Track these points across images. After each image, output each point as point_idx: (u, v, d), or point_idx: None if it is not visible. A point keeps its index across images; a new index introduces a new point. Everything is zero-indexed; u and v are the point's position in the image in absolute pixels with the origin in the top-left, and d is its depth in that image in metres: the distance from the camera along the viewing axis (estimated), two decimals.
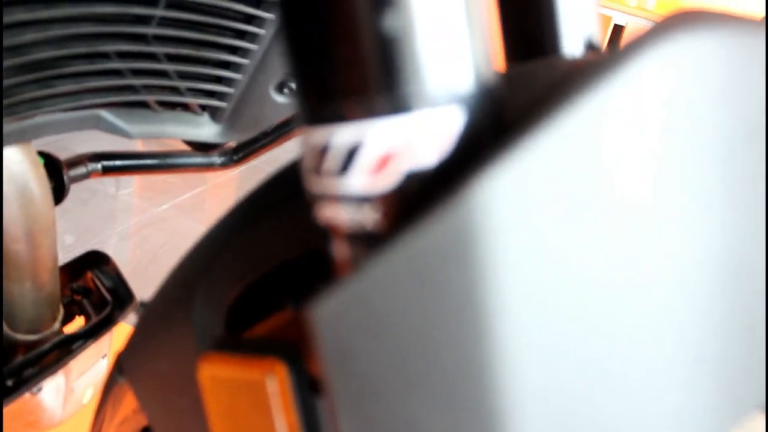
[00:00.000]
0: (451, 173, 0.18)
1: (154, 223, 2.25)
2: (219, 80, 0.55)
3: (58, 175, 0.59)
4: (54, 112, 0.48)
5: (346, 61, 0.17)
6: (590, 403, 0.19)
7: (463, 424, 0.18)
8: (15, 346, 0.61)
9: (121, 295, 0.66)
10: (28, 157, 0.51)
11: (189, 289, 0.34)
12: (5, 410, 0.61)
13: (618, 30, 3.83)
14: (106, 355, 0.70)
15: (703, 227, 0.18)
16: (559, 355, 0.18)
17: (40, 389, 0.61)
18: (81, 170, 0.63)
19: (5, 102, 0.41)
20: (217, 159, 0.70)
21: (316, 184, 0.20)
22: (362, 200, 0.19)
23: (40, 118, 0.48)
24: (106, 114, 0.52)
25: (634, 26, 3.76)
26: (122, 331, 0.77)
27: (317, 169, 0.19)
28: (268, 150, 0.72)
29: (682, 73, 0.17)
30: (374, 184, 0.18)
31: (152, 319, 0.37)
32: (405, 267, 0.17)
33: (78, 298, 0.68)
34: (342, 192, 0.19)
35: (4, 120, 0.44)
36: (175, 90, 0.54)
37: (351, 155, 0.18)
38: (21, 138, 0.46)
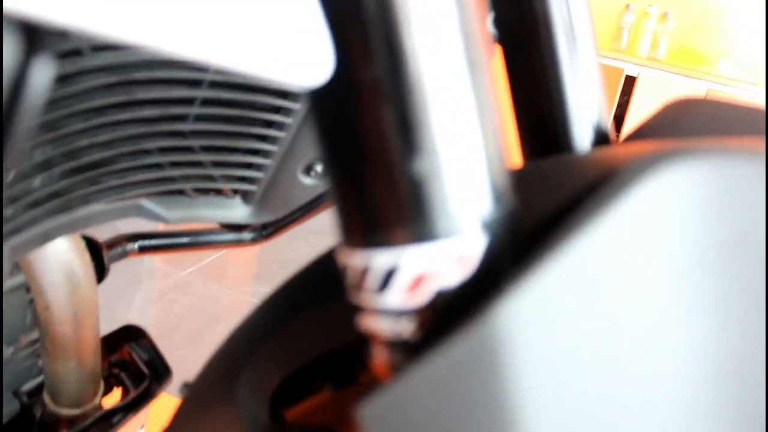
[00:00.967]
0: (476, 290, 0.21)
1: (180, 287, 2.29)
2: (250, 166, 0.58)
3: (98, 256, 0.63)
4: (101, 203, 0.52)
5: (384, 199, 0.21)
6: None
7: None
8: (58, 421, 0.64)
9: (157, 369, 0.69)
10: (75, 245, 0.54)
11: (232, 375, 0.37)
12: None
13: (630, 81, 3.88)
14: (143, 425, 0.72)
15: (699, 334, 0.21)
16: None
17: None
18: (119, 250, 0.67)
19: (61, 199, 0.45)
20: (246, 236, 0.73)
21: (357, 298, 0.23)
22: (399, 314, 0.22)
23: (87, 210, 0.52)
24: (146, 202, 0.55)
25: (646, 76, 3.81)
26: (158, 402, 0.80)
27: (359, 286, 0.22)
28: (294, 226, 0.75)
29: (673, 203, 0.20)
30: (409, 301, 0.21)
31: (196, 403, 0.39)
32: (439, 375, 0.20)
33: (116, 371, 0.71)
34: (381, 306, 0.22)
35: (59, 214, 0.47)
36: (209, 177, 0.57)
37: (389, 276, 0.21)
38: (71, 230, 0.50)
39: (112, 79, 0.39)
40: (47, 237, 0.51)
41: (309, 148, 0.59)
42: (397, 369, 0.22)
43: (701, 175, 0.21)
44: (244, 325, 0.39)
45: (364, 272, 0.22)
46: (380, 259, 0.21)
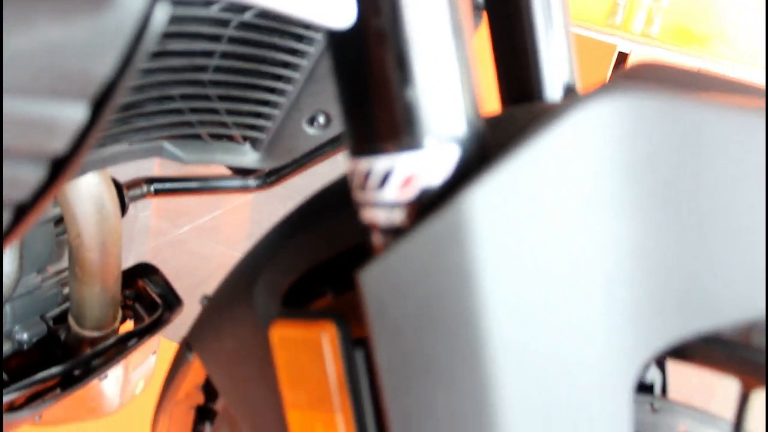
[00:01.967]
0: (450, 188, 0.28)
1: (174, 245, 2.36)
2: (259, 115, 0.65)
3: (120, 195, 0.69)
4: (128, 143, 0.58)
5: (384, 117, 0.28)
6: (552, 325, 0.28)
7: (463, 352, 0.28)
8: (81, 341, 0.71)
9: (169, 300, 0.76)
10: (105, 181, 0.61)
11: (250, 282, 0.44)
12: (72, 396, 0.71)
13: (623, 57, 3.92)
14: (155, 352, 0.80)
15: (617, 229, 0.28)
16: (526, 302, 0.28)
17: (106, 377, 0.71)
18: (137, 191, 0.73)
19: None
20: (252, 182, 0.80)
21: (361, 196, 0.30)
22: (393, 206, 0.29)
23: (115, 148, 0.59)
24: (167, 145, 0.62)
25: (638, 53, 3.85)
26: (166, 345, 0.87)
27: (362, 186, 0.29)
28: (296, 174, 0.82)
29: (601, 126, 0.27)
30: (401, 196, 0.28)
31: (218, 306, 0.46)
32: (420, 248, 0.27)
33: (130, 303, 0.78)
34: (380, 201, 0.29)
35: (93, 150, 0.54)
36: (223, 124, 0.64)
37: (386, 176, 0.28)
38: (102, 165, 0.57)
39: None
40: (83, 171, 0.58)
41: (313, 101, 0.66)
42: (389, 247, 0.29)
43: (620, 107, 0.28)
44: (259, 243, 0.46)
45: (368, 174, 0.29)
46: (380, 163, 0.28)
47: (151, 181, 0.75)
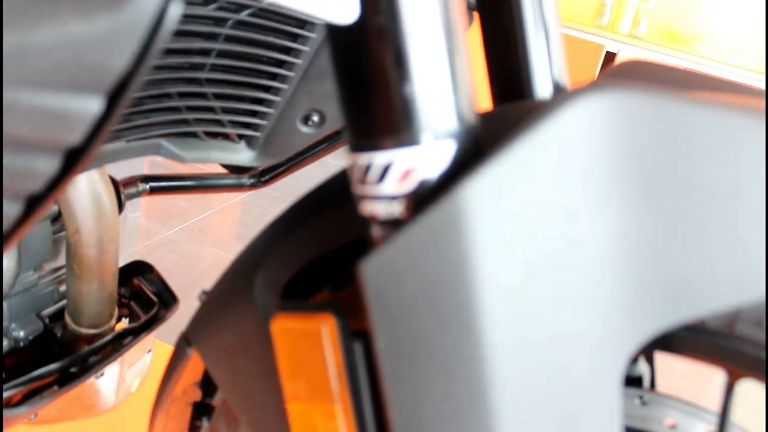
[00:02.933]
0: (447, 181, 0.29)
1: (165, 245, 2.36)
2: (254, 114, 0.66)
3: (117, 193, 0.70)
4: (126, 141, 0.59)
5: (384, 113, 0.29)
6: (547, 307, 0.30)
7: (459, 339, 0.29)
8: (78, 339, 0.71)
9: (164, 297, 0.76)
10: (103, 178, 0.61)
11: (249, 276, 0.45)
12: (68, 394, 0.71)
13: (610, 57, 3.95)
14: (150, 350, 0.80)
15: (607, 220, 0.29)
16: (520, 291, 0.29)
17: (102, 374, 0.72)
18: (133, 189, 0.74)
19: None
20: (246, 180, 0.81)
21: (361, 189, 0.31)
22: (392, 199, 0.30)
23: (114, 146, 0.60)
24: (164, 143, 0.63)
25: (625, 53, 3.88)
26: (160, 349, 0.87)
27: (362, 180, 0.30)
28: (289, 173, 0.83)
29: (584, 127, 0.28)
30: (400, 189, 0.29)
31: (217, 301, 0.47)
32: (419, 239, 0.28)
33: (126, 301, 0.79)
34: (379, 194, 0.30)
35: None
36: (219, 122, 0.65)
37: (385, 170, 0.29)
38: (101, 162, 0.57)
39: None
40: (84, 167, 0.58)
41: (308, 100, 0.67)
42: (388, 239, 0.30)
43: (607, 103, 0.29)
44: (257, 238, 0.47)
45: (367, 168, 0.30)
46: (379, 158, 0.29)
47: (146, 179, 0.76)
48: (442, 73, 0.29)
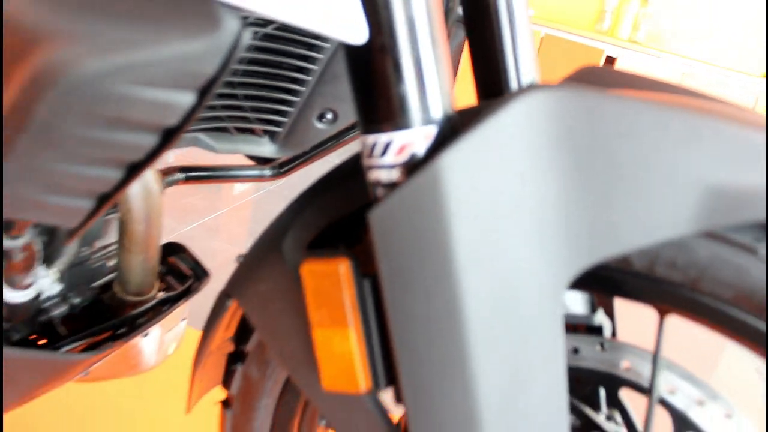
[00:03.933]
0: (429, 155, 0.41)
1: (182, 241, 2.48)
2: (277, 112, 0.78)
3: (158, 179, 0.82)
4: None
5: (385, 106, 0.40)
6: (499, 256, 0.41)
7: (440, 270, 0.40)
8: (124, 305, 0.83)
9: (197, 272, 0.88)
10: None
11: (279, 238, 0.56)
12: (116, 353, 0.83)
13: (610, 61, 4.05)
14: (185, 318, 0.92)
15: (549, 192, 0.41)
16: (483, 235, 0.40)
17: (147, 335, 0.83)
18: (172, 178, 0.85)
19: None
20: (267, 171, 0.92)
21: (368, 162, 0.42)
22: (391, 167, 0.41)
23: None
24: (201, 136, 0.74)
25: (625, 58, 3.98)
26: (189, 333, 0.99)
27: (370, 155, 0.42)
28: (305, 165, 0.94)
29: (528, 115, 0.40)
30: (397, 160, 0.41)
31: (252, 259, 0.59)
32: (410, 194, 0.40)
33: (163, 276, 0.90)
34: (382, 164, 0.42)
35: None
36: (247, 119, 0.77)
37: (386, 147, 0.41)
38: None
39: None
40: None
41: (322, 100, 0.78)
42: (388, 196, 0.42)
43: (544, 99, 0.41)
44: (284, 210, 0.58)
45: (374, 146, 0.41)
46: (382, 138, 0.41)
47: (183, 169, 0.88)
48: (428, 77, 0.41)
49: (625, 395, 0.65)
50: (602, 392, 0.66)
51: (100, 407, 1.35)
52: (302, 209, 0.56)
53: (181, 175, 0.87)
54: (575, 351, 0.64)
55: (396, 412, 0.56)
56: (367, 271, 0.47)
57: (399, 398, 0.49)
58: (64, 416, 1.31)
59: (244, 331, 0.67)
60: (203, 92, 0.38)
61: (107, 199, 0.45)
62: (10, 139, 0.38)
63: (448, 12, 0.72)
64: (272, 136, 0.80)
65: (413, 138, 0.41)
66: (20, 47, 0.35)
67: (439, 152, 0.39)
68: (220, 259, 2.46)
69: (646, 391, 0.61)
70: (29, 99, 0.36)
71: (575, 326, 0.67)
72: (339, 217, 0.53)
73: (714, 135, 0.41)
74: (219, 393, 1.48)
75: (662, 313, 0.53)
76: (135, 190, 0.72)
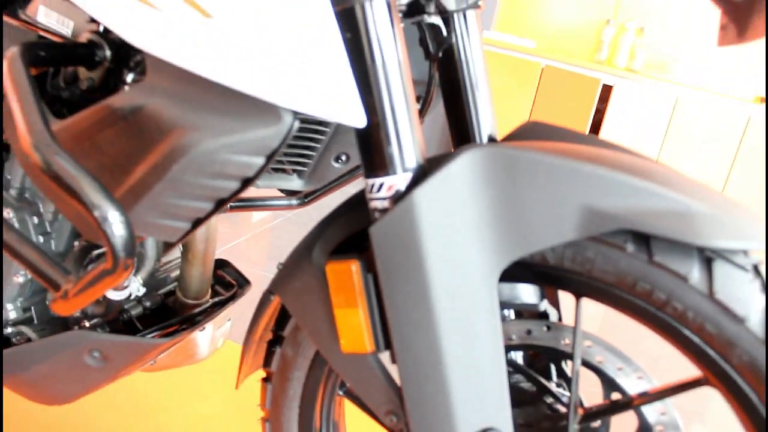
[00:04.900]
0: (407, 191, 0.64)
1: None
2: (304, 156, 1.01)
3: None
4: None
5: (379, 162, 0.64)
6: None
7: (417, 271, 0.64)
8: (185, 307, 1.06)
9: (240, 282, 1.12)
10: None
11: (308, 250, 0.79)
12: (181, 344, 1.06)
13: (607, 89, 4.25)
14: (230, 319, 1.15)
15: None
16: (441, 243, 0.63)
17: (203, 329, 1.06)
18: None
19: None
20: (294, 201, 1.16)
21: (370, 196, 0.66)
22: (384, 199, 0.65)
23: None
24: None
25: (621, 85, 4.18)
26: (230, 348, 1.22)
27: (371, 191, 0.66)
28: (325, 196, 1.18)
29: (465, 170, 0.63)
30: (387, 194, 0.65)
31: (290, 264, 0.82)
32: (396, 217, 0.63)
33: (213, 285, 1.14)
34: (378, 197, 0.65)
35: None
36: (281, 161, 1.00)
37: (380, 186, 0.65)
38: None
39: None
40: None
41: (338, 146, 1.02)
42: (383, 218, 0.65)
43: (485, 155, 0.64)
44: (313, 229, 0.82)
45: (372, 186, 0.65)
46: (378, 180, 0.65)
47: None
48: (405, 141, 0.65)
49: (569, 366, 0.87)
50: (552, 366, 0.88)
51: (146, 398, 1.58)
52: (325, 228, 0.79)
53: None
54: (528, 332, 0.86)
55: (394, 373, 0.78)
56: (371, 269, 0.70)
57: (394, 359, 0.72)
58: (116, 408, 1.54)
59: (281, 321, 0.90)
60: (269, 157, 0.62)
61: (200, 223, 0.68)
62: (149, 184, 0.62)
63: (431, 79, 0.95)
64: (299, 173, 1.04)
65: (397, 181, 0.65)
66: (158, 130, 0.60)
67: (413, 190, 0.62)
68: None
69: (574, 359, 0.84)
70: (168, 161, 0.60)
71: (527, 313, 0.89)
72: (352, 233, 0.77)
73: (593, 176, 0.64)
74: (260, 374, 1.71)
75: (576, 297, 0.75)
76: None
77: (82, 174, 0.58)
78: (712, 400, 2.22)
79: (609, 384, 0.83)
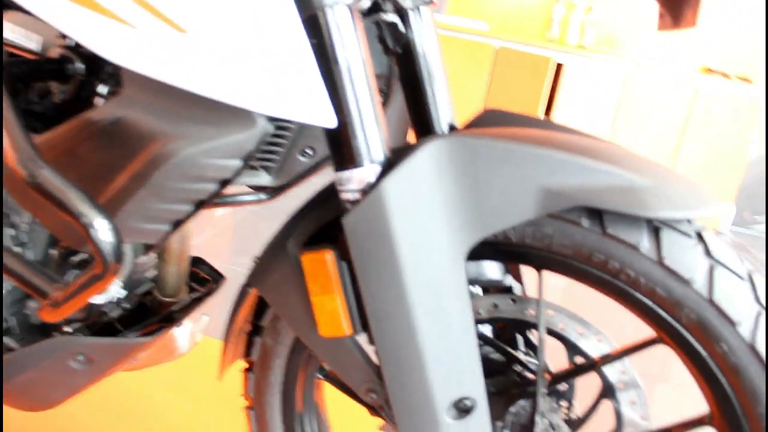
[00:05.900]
0: (375, 183, 0.68)
1: None
2: (271, 152, 1.05)
3: None
4: None
5: (348, 155, 0.68)
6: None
7: (388, 256, 0.68)
8: (162, 305, 1.09)
9: (215, 277, 1.15)
10: None
11: (283, 242, 0.83)
12: (161, 340, 1.09)
13: (559, 68, 4.32)
14: (207, 315, 1.18)
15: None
16: (411, 229, 0.68)
17: (181, 325, 1.09)
18: None
19: None
20: (263, 195, 1.19)
21: (340, 188, 0.70)
22: (354, 191, 0.69)
23: None
24: None
25: (573, 63, 4.26)
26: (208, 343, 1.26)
27: (341, 184, 0.70)
28: (292, 188, 1.21)
29: (429, 159, 0.68)
30: (357, 186, 0.69)
31: (266, 257, 0.85)
32: (365, 207, 0.67)
33: (188, 282, 1.17)
34: (348, 189, 0.69)
35: None
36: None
37: (350, 179, 0.69)
38: None
39: None
40: None
41: (304, 141, 1.05)
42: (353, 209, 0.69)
43: (446, 145, 0.68)
44: (285, 222, 0.85)
45: (342, 178, 0.69)
46: (346, 174, 0.69)
47: None
48: (371, 135, 0.69)
49: (535, 336, 0.93)
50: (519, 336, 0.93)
51: (128, 398, 1.61)
52: (297, 221, 0.83)
53: None
54: (495, 306, 0.91)
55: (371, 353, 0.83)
56: (344, 257, 0.74)
57: (371, 340, 0.76)
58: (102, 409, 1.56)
59: (259, 312, 0.94)
60: (246, 159, 0.66)
61: (180, 224, 0.72)
62: (132, 191, 0.65)
63: (391, 73, 0.99)
64: (267, 169, 1.07)
65: (365, 173, 0.69)
66: (139, 140, 0.63)
67: (381, 181, 0.67)
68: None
69: (539, 328, 0.89)
70: (150, 169, 0.63)
71: (493, 288, 0.94)
72: (324, 224, 0.80)
73: (548, 158, 0.69)
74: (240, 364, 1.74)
75: (538, 270, 0.80)
76: None
77: (68, 187, 0.61)
78: (675, 362, 2.32)
79: (572, 348, 0.89)
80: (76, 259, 0.94)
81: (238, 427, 1.57)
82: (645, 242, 0.70)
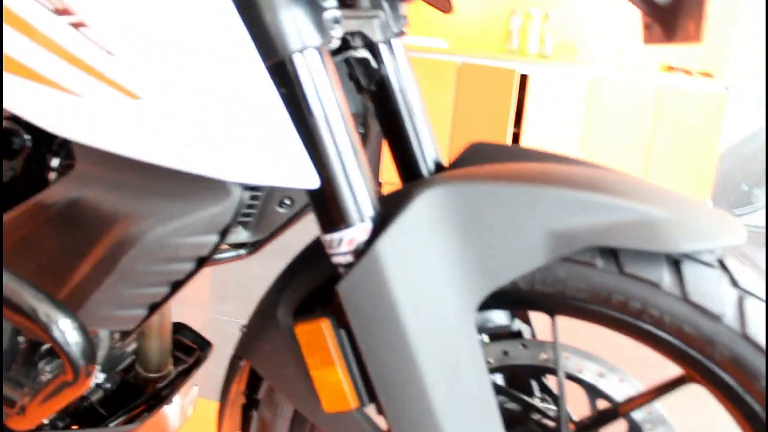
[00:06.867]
0: (369, 242, 0.62)
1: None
2: (248, 206, 0.98)
3: None
4: None
5: (337, 216, 0.62)
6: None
7: (390, 322, 0.62)
8: (147, 382, 1.01)
9: (201, 344, 1.07)
10: None
11: (272, 309, 0.76)
12: (150, 421, 1.01)
13: (524, 79, 4.31)
14: (197, 385, 1.10)
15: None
16: (415, 290, 0.62)
17: (171, 402, 1.01)
18: None
19: None
20: (242, 251, 1.12)
21: (331, 251, 0.64)
22: (345, 254, 0.63)
23: None
24: None
25: (536, 73, 4.25)
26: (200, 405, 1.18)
27: (331, 246, 0.63)
28: (272, 240, 1.15)
29: (429, 208, 0.62)
30: (349, 248, 0.62)
31: (254, 326, 0.78)
32: (360, 271, 0.61)
33: (173, 352, 1.09)
34: (339, 251, 0.63)
35: None
36: None
37: (340, 241, 0.62)
38: None
39: None
40: None
41: (281, 191, 0.99)
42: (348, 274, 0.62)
43: (442, 194, 0.62)
44: (271, 286, 0.79)
45: (332, 241, 0.63)
46: (337, 235, 0.62)
47: None
48: (359, 193, 0.63)
49: (552, 381, 0.87)
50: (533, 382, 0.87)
51: None
52: (285, 285, 0.76)
53: None
54: (505, 353, 0.85)
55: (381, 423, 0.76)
56: (341, 324, 0.68)
57: (380, 410, 0.70)
58: None
59: (253, 384, 0.87)
60: (223, 233, 0.59)
61: (156, 307, 0.65)
62: (98, 279, 0.58)
63: (366, 112, 0.93)
64: (245, 225, 1.00)
65: (356, 233, 0.63)
66: (100, 222, 0.56)
67: (375, 240, 0.61)
68: (195, 322, 2.62)
69: (558, 376, 0.83)
70: (116, 254, 0.56)
71: (501, 334, 0.88)
72: (314, 289, 0.74)
73: (552, 198, 0.63)
74: None
75: (551, 315, 0.75)
76: None
77: (23, 287, 0.54)
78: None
79: (593, 391, 0.83)
80: (45, 347, 0.87)
81: None
82: (666, 278, 0.64)
